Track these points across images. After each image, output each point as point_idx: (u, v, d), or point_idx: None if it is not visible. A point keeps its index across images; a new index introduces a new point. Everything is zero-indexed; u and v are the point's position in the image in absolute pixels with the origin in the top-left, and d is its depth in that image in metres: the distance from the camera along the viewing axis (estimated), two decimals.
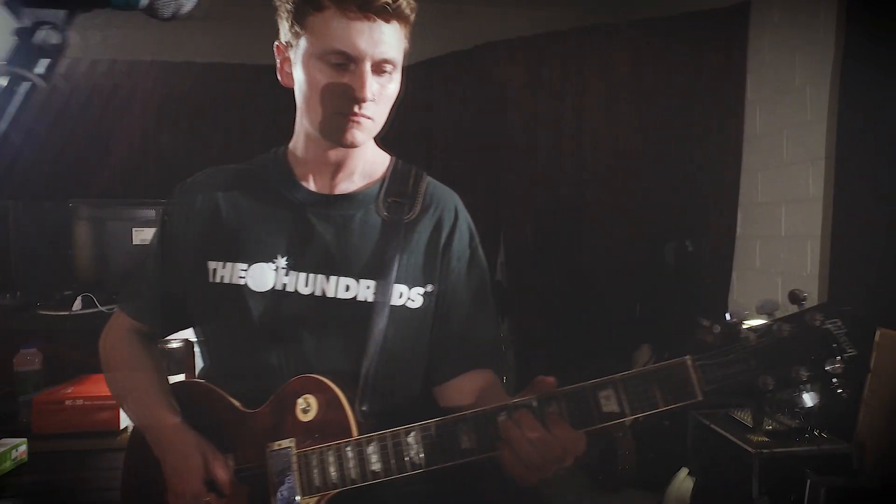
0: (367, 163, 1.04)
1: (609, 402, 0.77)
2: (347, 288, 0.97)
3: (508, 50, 3.46)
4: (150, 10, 0.59)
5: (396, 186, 1.03)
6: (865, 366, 0.71)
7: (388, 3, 0.87)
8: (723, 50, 2.94)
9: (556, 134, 3.36)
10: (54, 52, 0.55)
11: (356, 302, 0.96)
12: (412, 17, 0.93)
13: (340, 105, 0.90)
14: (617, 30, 3.27)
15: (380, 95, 0.93)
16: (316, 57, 0.90)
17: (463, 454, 0.81)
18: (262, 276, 0.97)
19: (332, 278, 0.97)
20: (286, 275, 0.97)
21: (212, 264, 0.99)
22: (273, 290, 0.97)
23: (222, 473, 0.91)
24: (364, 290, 0.96)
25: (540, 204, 3.42)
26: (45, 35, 0.54)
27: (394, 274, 0.96)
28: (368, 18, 0.87)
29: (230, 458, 0.94)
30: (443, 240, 1.01)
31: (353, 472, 0.86)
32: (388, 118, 0.98)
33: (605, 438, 2.27)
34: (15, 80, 0.54)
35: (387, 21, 0.89)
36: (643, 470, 2.40)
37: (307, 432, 0.90)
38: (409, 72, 0.98)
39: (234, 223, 1.01)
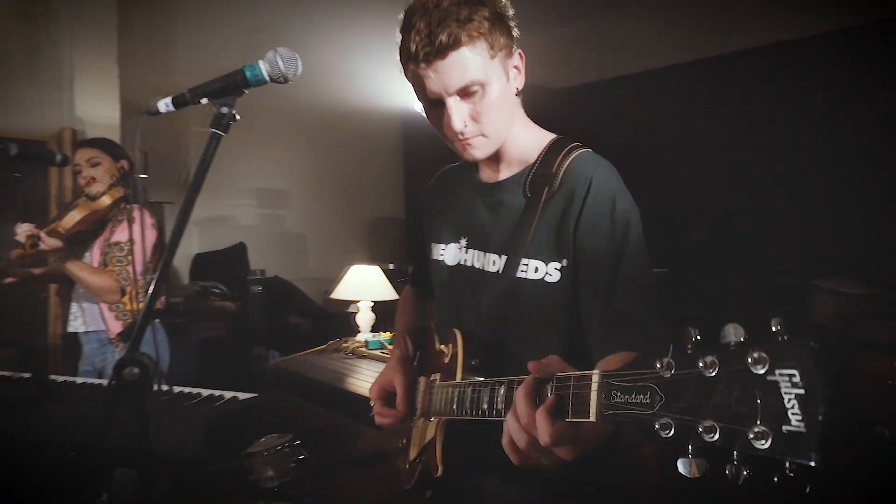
0: (522, 150, 1.13)
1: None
2: (493, 263, 1.12)
3: None
4: (273, 81, 1.01)
5: (542, 168, 1.09)
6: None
7: (429, 52, 0.96)
8: None
9: None
10: (229, 119, 1.00)
11: (496, 274, 1.10)
12: (480, 32, 0.98)
13: (448, 133, 1.05)
14: None
15: (478, 112, 1.02)
16: (418, 99, 1.08)
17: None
18: (452, 254, 1.22)
19: (486, 254, 1.14)
20: (465, 252, 1.19)
21: (433, 244, 1.29)
22: (457, 264, 1.21)
23: (399, 388, 1.23)
24: (500, 264, 1.10)
25: None
26: (225, 110, 1.00)
27: (524, 250, 1.05)
28: (430, 65, 0.98)
29: (423, 379, 1.23)
30: (573, 214, 1.03)
31: (447, 406, 1.06)
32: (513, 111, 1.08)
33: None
34: (214, 136, 1.00)
35: (449, 55, 0.97)
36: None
37: (444, 371, 1.15)
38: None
39: (443, 211, 1.28)
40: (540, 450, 0.74)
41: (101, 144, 2.54)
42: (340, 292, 3.17)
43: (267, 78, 1.00)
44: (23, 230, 2.25)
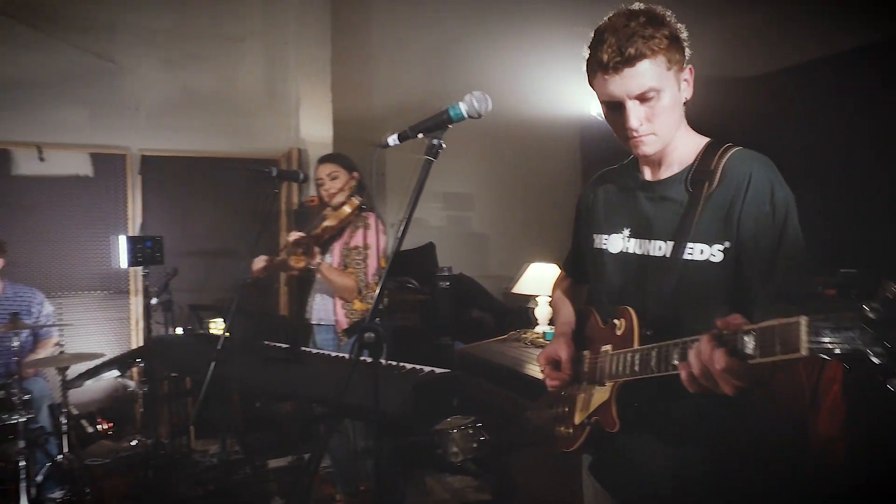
0: (682, 153, 1.30)
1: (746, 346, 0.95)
2: (659, 248, 1.30)
3: None
4: (470, 117, 1.30)
5: (701, 166, 1.26)
6: None
7: (619, 61, 1.17)
8: None
9: None
10: (438, 148, 1.32)
11: (662, 258, 1.29)
12: (661, 47, 1.17)
13: (623, 132, 1.25)
14: None
15: (652, 114, 1.22)
16: (599, 102, 1.29)
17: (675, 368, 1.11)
18: (615, 243, 1.40)
19: (651, 241, 1.32)
20: (628, 241, 1.37)
21: (595, 235, 1.47)
22: (620, 252, 1.38)
23: (564, 356, 1.43)
24: (667, 248, 1.28)
25: None
26: (435, 142, 1.32)
27: (689, 235, 1.23)
28: (618, 72, 1.18)
29: (587, 352, 1.43)
30: (737, 203, 1.19)
31: (629, 369, 1.25)
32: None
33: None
34: (427, 161, 1.33)
35: (635, 65, 1.16)
36: None
37: (618, 342, 1.35)
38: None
39: (604, 206, 1.46)
40: (709, 378, 1.00)
41: (338, 159, 2.83)
42: (521, 288, 3.45)
43: (465, 116, 1.30)
44: (294, 237, 2.70)
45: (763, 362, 0.93)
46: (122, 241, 3.40)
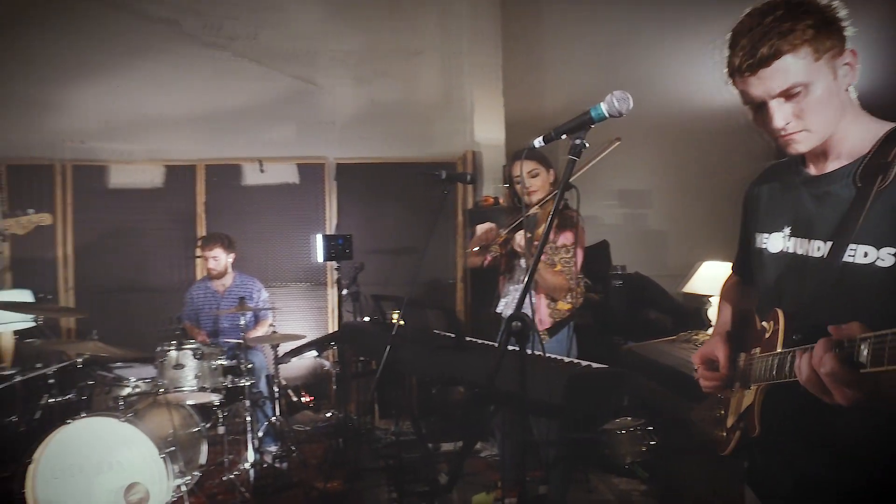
0: (853, 143, 1.17)
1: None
2: (818, 249, 1.19)
3: None
4: (611, 116, 1.35)
5: (876, 158, 1.12)
6: None
7: (752, 64, 1.10)
8: None
9: None
10: (581, 147, 1.38)
11: (820, 259, 1.18)
12: (804, 39, 1.08)
13: (771, 131, 1.17)
14: None
15: (801, 110, 1.12)
16: (744, 104, 1.23)
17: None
18: (775, 243, 1.32)
19: (810, 241, 1.22)
20: (788, 240, 1.28)
21: (756, 234, 1.39)
22: (780, 252, 1.30)
23: (720, 356, 1.39)
24: (825, 249, 1.17)
25: None
26: (578, 141, 1.38)
27: (851, 236, 1.10)
28: (754, 74, 1.12)
29: (743, 354, 1.38)
30: None
31: (767, 373, 1.20)
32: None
33: None
34: (571, 161, 1.40)
35: (772, 64, 1.09)
36: None
37: (765, 345, 1.30)
38: None
39: (767, 203, 1.38)
40: (817, 385, 0.97)
41: (538, 156, 2.70)
42: (692, 287, 3.29)
43: (607, 115, 1.35)
44: (483, 228, 2.70)
45: (877, 371, 0.87)
46: (319, 240, 3.91)
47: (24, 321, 4.06)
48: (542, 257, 2.64)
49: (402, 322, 2.55)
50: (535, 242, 2.58)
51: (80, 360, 3.13)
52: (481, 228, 2.77)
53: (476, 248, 2.83)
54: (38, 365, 3.28)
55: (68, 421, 2.77)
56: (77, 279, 4.86)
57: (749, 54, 1.11)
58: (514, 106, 5.10)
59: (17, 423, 3.28)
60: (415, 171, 4.99)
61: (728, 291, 1.63)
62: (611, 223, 5.63)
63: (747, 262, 1.48)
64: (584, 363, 2.19)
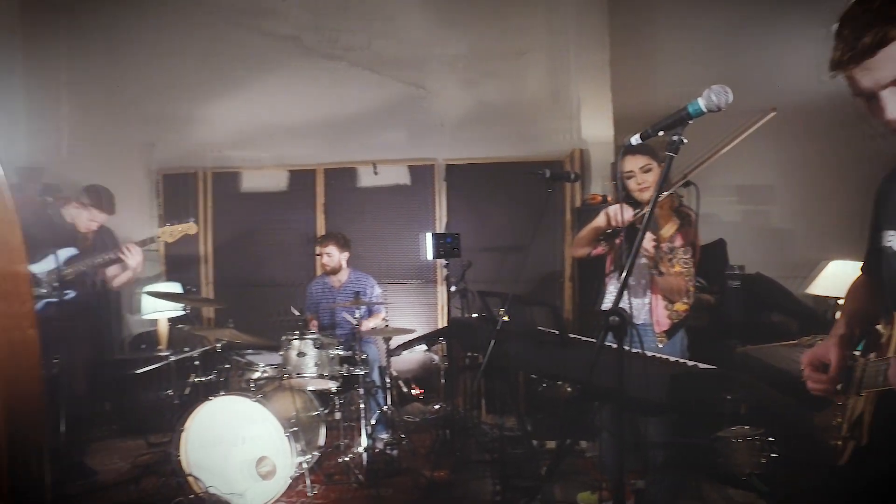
0: None
1: None
2: None
3: None
4: (710, 111, 1.34)
5: None
6: None
7: (853, 55, 1.07)
8: None
9: None
10: (679, 143, 1.39)
11: None
12: None
13: (887, 123, 1.14)
14: None
15: None
16: (853, 96, 1.19)
17: None
18: None
19: None
20: None
21: (882, 232, 1.36)
22: None
23: (832, 359, 1.34)
24: None
25: None
26: (675, 138, 1.39)
27: None
28: (858, 65, 1.09)
29: (862, 359, 1.34)
30: None
31: (874, 380, 1.16)
32: None
33: None
34: (669, 157, 1.40)
35: (877, 53, 1.06)
36: None
37: (880, 350, 1.24)
38: None
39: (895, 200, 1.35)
40: None
41: (650, 151, 2.57)
42: (816, 287, 3.06)
43: (704, 110, 1.34)
44: (614, 210, 2.51)
45: None
46: (429, 238, 4.08)
47: (175, 310, 4.65)
48: (649, 258, 2.55)
49: (506, 318, 2.62)
50: (663, 245, 2.49)
51: (219, 345, 3.52)
52: (611, 211, 2.59)
53: (586, 235, 2.70)
54: (186, 348, 3.73)
55: (210, 398, 3.14)
56: (216, 274, 5.42)
57: (850, 46, 1.08)
58: (623, 101, 5.00)
59: (172, 397, 3.76)
60: (521, 171, 5.04)
61: (853, 291, 1.56)
62: (728, 220, 5.34)
63: (875, 260, 1.41)
64: (690, 363, 2.15)
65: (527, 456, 3.69)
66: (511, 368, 3.86)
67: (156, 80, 5.43)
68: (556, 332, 2.58)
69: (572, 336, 2.55)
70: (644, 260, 2.44)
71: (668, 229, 2.48)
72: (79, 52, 5.31)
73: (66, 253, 3.32)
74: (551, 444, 3.88)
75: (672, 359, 2.23)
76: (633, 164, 2.59)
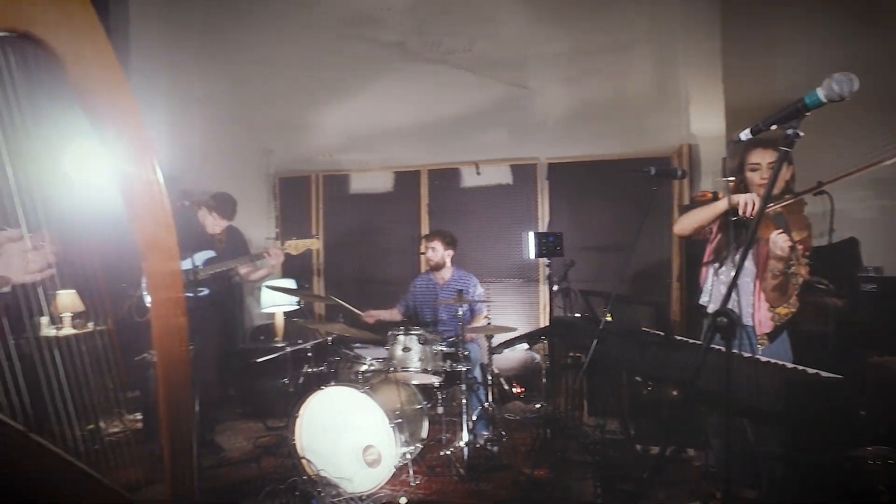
0: None
1: None
2: None
3: None
4: (831, 101, 1.26)
5: None
6: None
7: None
8: None
9: None
10: (794, 137, 1.32)
11: None
12: None
13: None
14: None
15: None
16: None
17: None
18: None
19: None
20: None
21: None
22: None
23: None
24: None
25: None
26: (790, 131, 1.32)
27: None
28: None
29: None
30: None
31: None
32: None
33: None
34: (783, 154, 1.34)
35: None
36: None
37: None
38: None
39: None
40: None
41: (775, 145, 2.46)
42: None
43: (824, 101, 1.26)
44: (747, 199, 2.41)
45: None
46: (531, 237, 4.08)
47: (291, 304, 4.99)
48: (780, 260, 2.45)
49: (609, 317, 2.58)
50: (800, 247, 2.39)
51: (329, 338, 3.74)
52: (744, 199, 2.44)
53: (703, 217, 2.59)
54: (300, 340, 3.99)
55: (322, 387, 3.35)
56: (326, 271, 5.75)
57: None
58: (737, 93, 4.71)
59: (287, 385, 4.05)
60: (626, 169, 4.91)
61: None
62: (861, 217, 4.86)
63: None
64: (811, 371, 2.01)
65: (630, 460, 3.60)
66: (614, 369, 3.79)
67: (273, 92, 5.84)
68: (662, 332, 2.51)
69: (679, 338, 2.46)
70: (773, 261, 2.37)
71: (799, 234, 2.40)
72: (208, 70, 5.83)
73: (203, 255, 3.70)
74: (656, 450, 3.75)
75: (789, 365, 2.09)
76: (761, 157, 2.50)
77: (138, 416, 3.78)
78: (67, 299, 3.83)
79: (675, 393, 3.51)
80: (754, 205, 2.39)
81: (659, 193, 4.77)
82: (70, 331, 3.79)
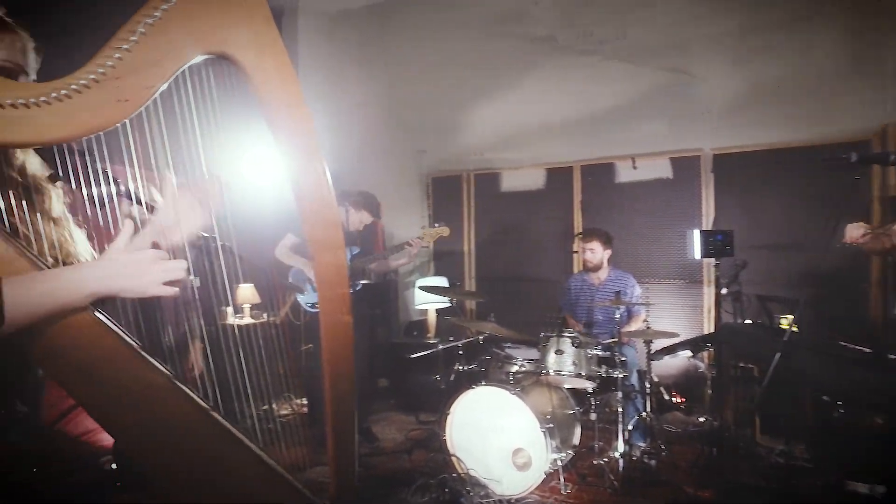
0: None
1: None
2: None
3: None
4: None
5: None
6: None
7: None
8: None
9: None
10: None
11: None
12: None
13: None
14: None
15: None
16: None
17: None
18: None
19: None
20: None
21: None
22: None
23: None
24: None
25: None
26: None
27: None
28: None
29: None
30: None
31: None
32: None
33: None
34: None
35: None
36: None
37: None
38: None
39: None
40: None
41: None
42: None
43: None
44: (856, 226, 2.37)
45: None
46: (696, 235, 3.74)
47: (443, 302, 5.09)
48: None
49: (796, 328, 2.26)
50: None
51: (480, 337, 3.73)
52: (853, 231, 2.32)
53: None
54: (451, 338, 4.03)
55: (473, 386, 3.34)
56: (477, 269, 5.79)
57: None
58: None
59: (439, 381, 4.12)
60: (807, 157, 4.34)
61: None
62: None
63: None
64: None
65: (813, 491, 3.15)
66: (802, 387, 3.34)
67: (425, 94, 6.00)
68: (868, 349, 2.15)
69: (891, 357, 2.09)
70: None
71: None
72: (365, 77, 6.14)
73: (349, 252, 3.91)
74: (860, 488, 3.24)
75: None
76: None
77: (304, 401, 4.06)
78: (248, 292, 4.24)
79: (879, 421, 3.00)
80: None
81: (849, 184, 4.15)
82: (249, 320, 4.19)
